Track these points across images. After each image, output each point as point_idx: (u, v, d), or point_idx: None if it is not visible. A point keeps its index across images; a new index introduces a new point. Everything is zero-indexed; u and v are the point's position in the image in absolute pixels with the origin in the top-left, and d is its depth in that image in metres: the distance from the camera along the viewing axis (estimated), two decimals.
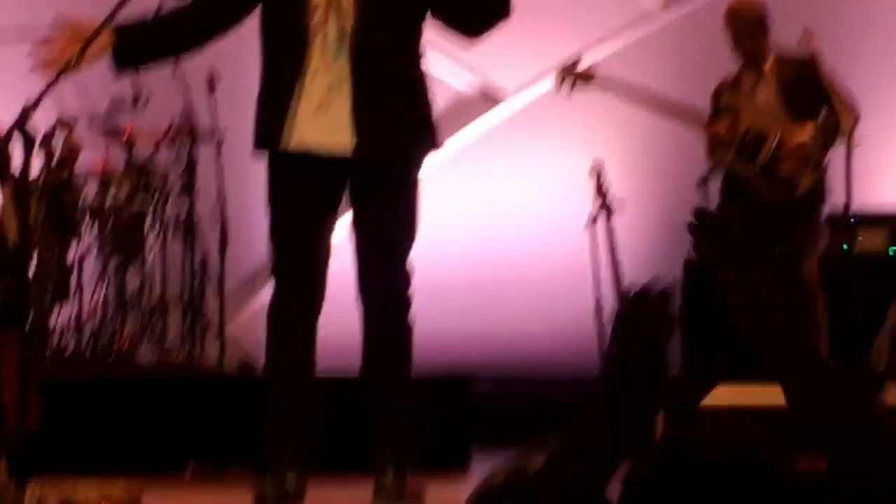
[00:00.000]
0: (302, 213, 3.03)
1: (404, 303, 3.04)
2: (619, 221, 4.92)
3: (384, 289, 3.05)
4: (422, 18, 2.98)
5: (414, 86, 3.04)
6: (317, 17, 2.95)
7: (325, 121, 2.97)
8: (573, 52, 4.90)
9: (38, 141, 4.17)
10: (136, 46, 3.02)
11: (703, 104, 4.64)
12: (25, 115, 2.66)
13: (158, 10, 3.21)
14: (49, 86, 2.70)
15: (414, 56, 3.04)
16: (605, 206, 4.81)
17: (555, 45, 5.31)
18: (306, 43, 2.93)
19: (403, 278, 3.04)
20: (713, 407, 3.43)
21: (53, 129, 4.38)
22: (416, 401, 3.20)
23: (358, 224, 3.05)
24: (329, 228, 3.04)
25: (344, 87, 2.94)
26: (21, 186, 3.84)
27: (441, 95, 2.86)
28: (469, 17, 2.99)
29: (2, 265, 4.13)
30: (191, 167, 4.80)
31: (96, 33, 2.79)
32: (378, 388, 3.12)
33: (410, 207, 3.04)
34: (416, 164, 3.05)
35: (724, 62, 4.61)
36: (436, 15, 2.96)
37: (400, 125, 2.99)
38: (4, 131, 3.26)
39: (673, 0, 6.07)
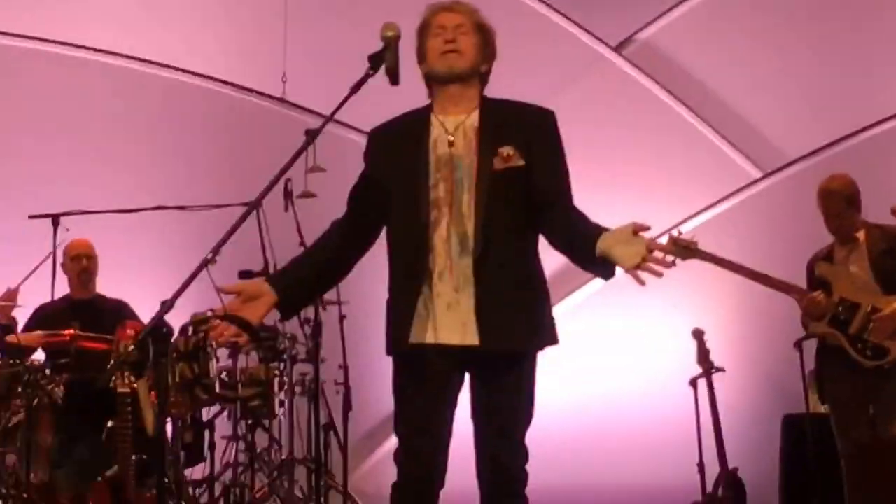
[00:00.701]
0: (428, 409, 3.15)
1: (524, 479, 3.16)
2: (719, 380, 5.21)
3: (506, 471, 3.15)
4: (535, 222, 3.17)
5: (532, 283, 3.16)
6: (440, 223, 3.11)
7: (454, 319, 3.09)
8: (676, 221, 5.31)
9: (174, 335, 4.81)
10: (296, 302, 3.24)
11: (800, 264, 4.90)
12: (163, 312, 2.84)
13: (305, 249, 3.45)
14: (184, 285, 2.85)
15: (532, 255, 3.17)
16: (707, 369, 5.12)
17: (659, 216, 5.68)
18: (431, 247, 3.08)
19: (523, 458, 3.16)
20: None
21: (190, 323, 4.90)
22: None
23: (480, 411, 3.15)
24: (451, 418, 3.17)
25: (469, 288, 3.07)
26: (160, 381, 4.36)
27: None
28: (571, 258, 3.10)
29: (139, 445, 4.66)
30: (316, 333, 5.10)
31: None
32: None
33: (529, 391, 3.16)
34: (534, 358, 3.17)
35: (818, 225, 4.82)
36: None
37: (520, 322, 3.10)
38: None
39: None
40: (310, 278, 3.24)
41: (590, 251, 2.94)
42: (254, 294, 3.06)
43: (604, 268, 2.97)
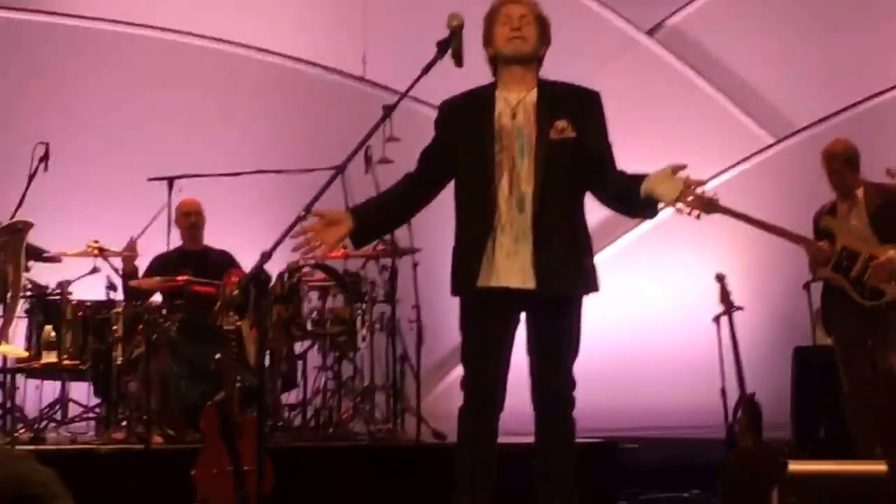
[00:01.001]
0: (491, 342, 3.43)
1: (572, 403, 3.49)
2: (738, 318, 5.73)
3: (557, 397, 3.48)
4: (585, 185, 3.43)
5: (578, 238, 3.46)
6: (502, 184, 3.38)
7: (514, 266, 3.37)
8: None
9: (272, 281, 5.21)
10: (368, 232, 3.51)
11: (807, 219, 5.37)
12: (263, 261, 3.09)
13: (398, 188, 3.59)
14: (283, 236, 3.14)
15: (579, 212, 3.45)
16: (728, 308, 5.62)
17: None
18: (495, 204, 3.36)
19: (571, 386, 3.46)
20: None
21: (286, 270, 5.41)
22: (574, 477, 3.55)
23: (535, 346, 3.44)
24: (510, 351, 3.43)
25: (527, 240, 3.36)
26: (260, 320, 4.84)
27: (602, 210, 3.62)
28: (620, 211, 3.51)
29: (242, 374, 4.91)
30: (392, 278, 5.68)
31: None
32: (549, 468, 3.53)
33: (577, 330, 3.44)
34: (581, 301, 3.45)
35: (824, 185, 5.30)
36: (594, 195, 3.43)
37: (570, 271, 3.41)
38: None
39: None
40: (380, 216, 3.53)
41: (636, 194, 3.23)
42: (334, 219, 3.31)
43: (649, 207, 3.29)
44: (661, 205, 3.28)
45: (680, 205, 3.23)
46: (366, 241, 3.60)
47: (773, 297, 6.93)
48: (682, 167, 3.20)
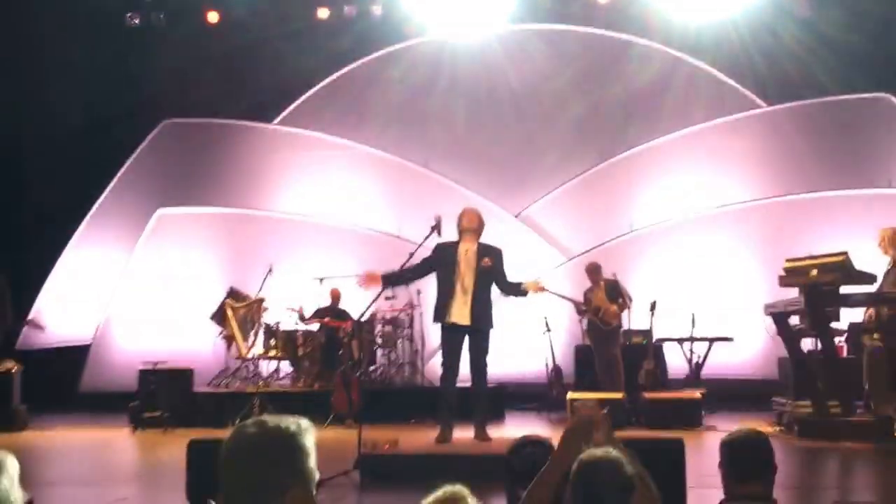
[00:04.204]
0: (453, 348, 7.74)
1: (486, 369, 7.87)
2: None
3: (479, 367, 7.82)
4: (492, 284, 7.72)
5: (488, 304, 7.75)
6: (459, 281, 7.64)
7: (461, 312, 7.66)
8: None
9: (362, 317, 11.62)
10: (390, 283, 7.80)
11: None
12: (361, 315, 8.43)
13: (402, 266, 7.81)
14: (379, 293, 7.86)
15: (489, 295, 7.72)
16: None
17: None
18: (455, 284, 7.64)
19: (486, 363, 7.85)
20: None
21: (371, 318, 11.71)
22: (488, 398, 8.15)
23: (471, 349, 7.82)
24: (461, 351, 7.74)
25: (467, 302, 7.64)
26: (360, 328, 11.01)
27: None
28: (505, 295, 8.01)
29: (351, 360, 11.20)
30: (412, 315, 12.12)
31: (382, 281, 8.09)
32: (476, 398, 7.91)
33: (489, 342, 7.81)
34: (489, 331, 7.74)
35: None
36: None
37: (486, 319, 7.71)
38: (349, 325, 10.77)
39: None
40: (396, 279, 7.96)
41: (516, 287, 7.81)
42: (374, 274, 7.88)
43: (520, 293, 7.80)
44: (523, 286, 7.83)
45: (530, 291, 7.81)
46: (387, 287, 7.92)
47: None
48: (538, 284, 8.09)
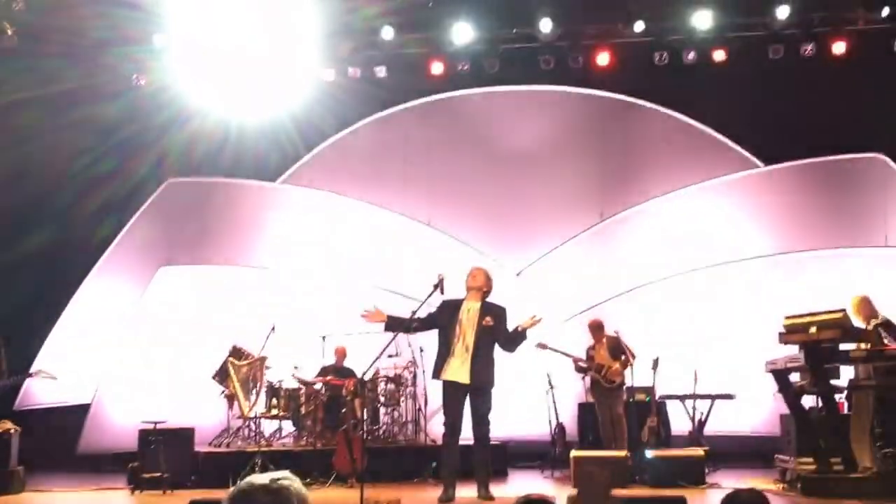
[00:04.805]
0: (454, 405, 7.72)
1: (489, 427, 7.79)
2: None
3: (481, 425, 7.80)
4: (494, 342, 7.78)
5: (490, 363, 7.75)
6: (460, 338, 7.69)
7: (461, 370, 7.71)
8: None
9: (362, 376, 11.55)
10: (392, 327, 7.76)
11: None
12: (364, 373, 8.20)
13: (411, 316, 7.77)
14: (382, 351, 7.57)
15: (491, 354, 7.76)
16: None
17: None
18: (455, 341, 7.71)
19: (488, 424, 7.78)
20: None
21: (374, 377, 11.74)
22: (491, 456, 8.04)
23: (472, 408, 7.80)
24: (462, 411, 7.64)
25: (467, 360, 7.66)
26: (363, 386, 10.96)
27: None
28: (505, 350, 7.97)
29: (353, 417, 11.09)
30: (415, 373, 12.09)
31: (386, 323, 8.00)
32: (478, 458, 7.82)
33: (489, 400, 7.76)
34: (491, 388, 7.69)
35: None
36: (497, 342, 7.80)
37: (487, 377, 7.72)
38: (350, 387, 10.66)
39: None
40: (400, 326, 7.90)
41: (514, 336, 7.87)
42: (380, 314, 7.89)
43: (520, 336, 7.85)
44: (519, 328, 7.91)
45: (527, 328, 7.81)
46: (390, 330, 7.95)
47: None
48: (533, 319, 7.75)
